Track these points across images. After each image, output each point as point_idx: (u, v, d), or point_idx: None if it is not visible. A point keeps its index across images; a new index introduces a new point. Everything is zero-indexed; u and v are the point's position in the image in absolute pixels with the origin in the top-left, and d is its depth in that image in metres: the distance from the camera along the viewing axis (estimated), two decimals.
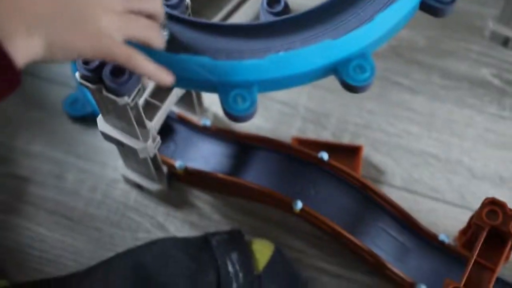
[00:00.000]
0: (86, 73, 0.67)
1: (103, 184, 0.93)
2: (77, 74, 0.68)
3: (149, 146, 0.77)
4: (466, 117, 0.96)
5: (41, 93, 1.00)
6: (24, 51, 0.52)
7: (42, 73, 1.00)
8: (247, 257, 0.77)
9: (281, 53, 0.62)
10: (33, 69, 1.00)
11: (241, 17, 1.00)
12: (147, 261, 0.76)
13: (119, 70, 0.65)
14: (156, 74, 0.60)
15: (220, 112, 0.94)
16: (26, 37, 0.52)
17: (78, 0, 0.55)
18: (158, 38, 0.60)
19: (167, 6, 0.67)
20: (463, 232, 0.85)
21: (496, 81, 0.99)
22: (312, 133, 0.96)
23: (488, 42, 1.01)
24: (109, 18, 0.56)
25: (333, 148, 0.92)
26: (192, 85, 0.65)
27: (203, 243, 0.79)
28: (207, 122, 0.91)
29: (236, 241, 0.79)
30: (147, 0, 0.60)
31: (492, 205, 0.78)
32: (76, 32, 0.54)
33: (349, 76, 0.62)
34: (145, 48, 0.60)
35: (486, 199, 0.78)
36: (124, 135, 0.77)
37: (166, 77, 0.60)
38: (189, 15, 0.71)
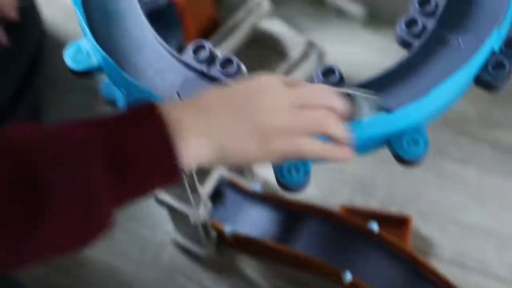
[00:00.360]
0: None
1: (153, 247, 0.94)
2: None
3: (200, 212, 0.78)
4: None
5: None
6: (194, 152, 0.51)
7: None
8: None
9: None
10: None
11: None
12: None
13: None
14: (332, 154, 0.57)
15: (269, 177, 0.94)
16: (198, 139, 0.51)
17: (249, 105, 0.54)
18: (337, 129, 0.56)
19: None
20: None
21: None
22: (360, 201, 0.95)
23: None
24: (279, 120, 0.54)
25: (382, 218, 0.91)
26: None
27: None
28: (257, 187, 0.92)
29: None
30: (321, 96, 0.56)
31: None
32: (248, 136, 0.53)
33: (402, 149, 0.62)
34: None
35: None
36: (177, 199, 0.78)
37: (344, 154, 0.57)
38: None
